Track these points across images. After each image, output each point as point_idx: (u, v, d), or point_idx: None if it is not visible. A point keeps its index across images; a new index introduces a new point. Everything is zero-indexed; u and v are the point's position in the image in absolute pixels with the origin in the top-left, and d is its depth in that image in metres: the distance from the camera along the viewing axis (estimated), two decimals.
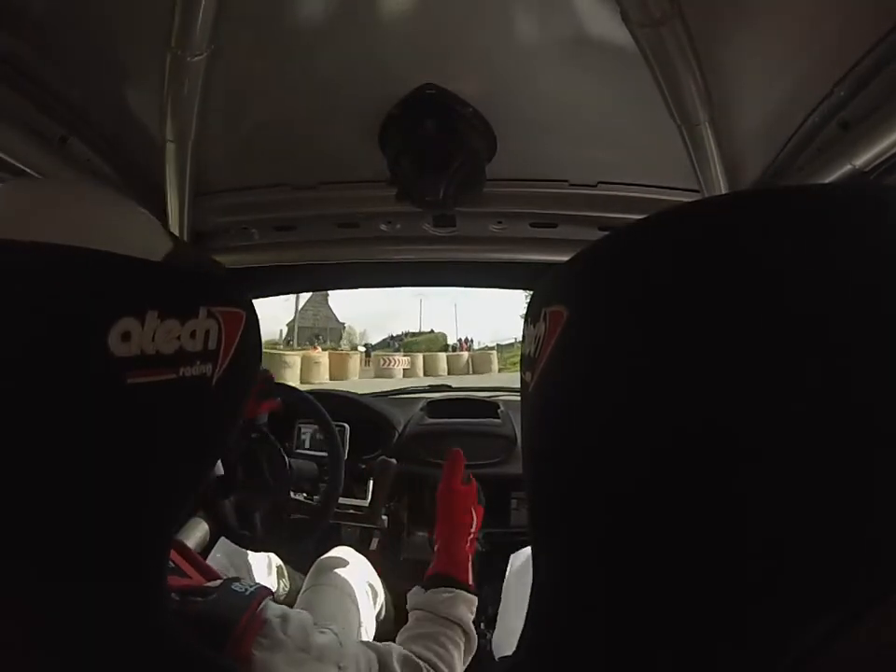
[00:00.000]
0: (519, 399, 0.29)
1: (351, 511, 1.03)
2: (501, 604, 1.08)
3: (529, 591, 0.27)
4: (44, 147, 0.73)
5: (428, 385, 2.02)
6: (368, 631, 0.98)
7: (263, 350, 0.42)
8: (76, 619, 0.31)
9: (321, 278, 1.44)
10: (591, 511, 0.22)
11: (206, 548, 1.16)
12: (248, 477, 0.90)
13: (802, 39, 0.63)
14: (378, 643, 0.55)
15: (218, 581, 0.46)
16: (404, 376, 15.09)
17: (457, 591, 0.69)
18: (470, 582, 0.73)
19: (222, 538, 1.09)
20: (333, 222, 1.06)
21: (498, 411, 1.52)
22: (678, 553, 0.19)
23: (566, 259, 0.26)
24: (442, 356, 18.03)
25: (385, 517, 1.03)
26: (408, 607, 0.71)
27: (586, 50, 0.69)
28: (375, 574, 1.13)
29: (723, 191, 0.81)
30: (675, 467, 0.19)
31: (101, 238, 0.32)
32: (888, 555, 0.17)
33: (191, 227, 0.98)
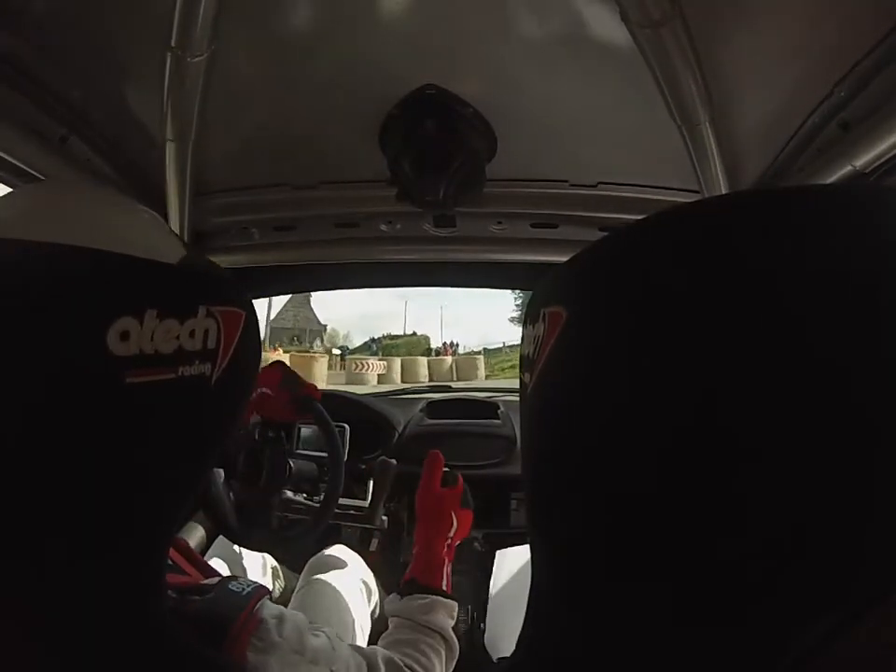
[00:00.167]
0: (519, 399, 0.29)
1: (351, 512, 1.03)
2: (490, 601, 1.08)
3: (520, 587, 0.27)
4: (44, 146, 0.73)
5: (428, 386, 2.03)
6: (363, 629, 0.98)
7: None
8: (75, 619, 0.31)
9: (321, 278, 1.44)
10: (591, 512, 0.22)
11: (204, 547, 1.16)
12: (247, 475, 0.90)
13: (802, 40, 0.63)
14: (365, 648, 0.55)
15: (216, 579, 0.46)
16: (379, 382, 12.96)
17: (434, 597, 0.68)
18: (446, 587, 0.72)
19: (220, 537, 1.09)
20: (333, 222, 1.06)
21: (498, 411, 1.52)
22: (678, 553, 0.19)
23: (566, 259, 0.26)
24: (423, 360, 16.47)
25: (384, 517, 1.03)
26: (385, 613, 0.70)
27: (586, 51, 0.70)
28: (369, 572, 1.13)
29: (723, 192, 0.81)
30: (675, 467, 0.19)
31: (115, 247, 0.32)
32: (888, 555, 0.17)
33: (191, 227, 0.98)
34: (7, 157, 0.69)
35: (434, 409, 1.56)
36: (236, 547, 1.05)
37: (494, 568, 1.16)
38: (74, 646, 0.31)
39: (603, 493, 0.22)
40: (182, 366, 0.32)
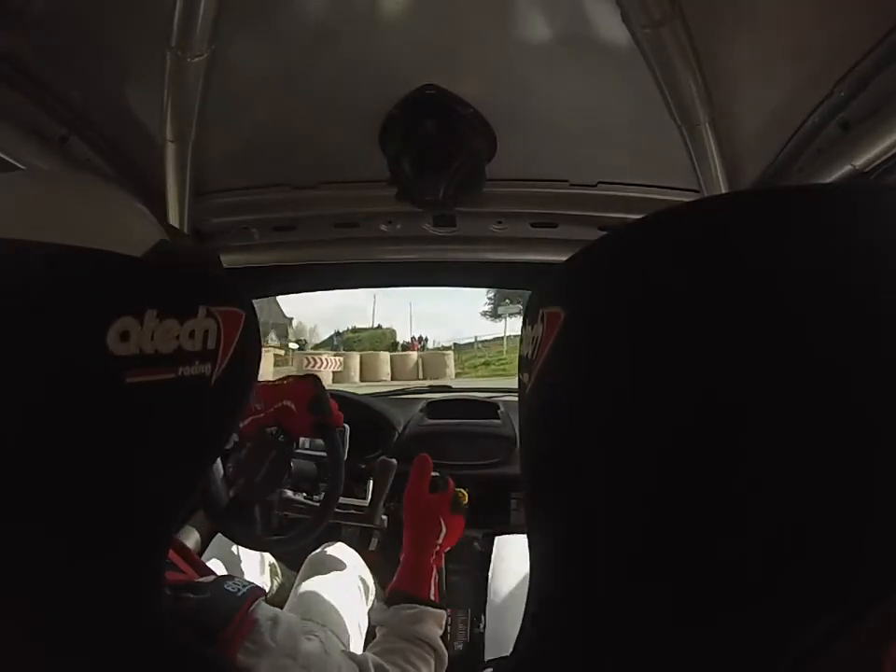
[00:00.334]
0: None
1: (351, 511, 1.03)
2: (489, 594, 1.08)
3: (521, 584, 0.27)
4: (44, 146, 0.73)
5: (428, 386, 2.02)
6: (361, 626, 0.98)
7: None
8: (75, 619, 0.31)
9: (321, 278, 1.44)
10: (590, 512, 0.22)
11: (203, 546, 1.15)
12: (246, 473, 0.90)
13: (802, 40, 0.63)
14: (357, 654, 0.55)
15: (211, 578, 0.45)
16: (334, 381, 11.31)
17: (422, 607, 0.67)
18: (433, 596, 0.71)
19: (218, 535, 1.09)
20: (333, 222, 1.06)
21: (498, 411, 1.52)
22: (678, 553, 0.19)
23: (566, 259, 0.26)
24: (385, 355, 14.77)
25: (384, 517, 1.03)
26: (372, 622, 0.70)
27: (586, 51, 0.69)
28: (367, 569, 1.13)
29: (723, 191, 0.81)
30: (674, 466, 0.19)
31: (87, 231, 0.32)
32: (888, 555, 0.17)
33: (191, 227, 0.98)
34: (7, 157, 0.69)
35: (434, 409, 1.56)
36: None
37: (493, 558, 1.16)
38: (74, 646, 0.31)
39: (602, 493, 0.22)
40: (182, 366, 0.32)
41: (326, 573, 1.03)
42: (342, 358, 13.25)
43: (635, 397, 0.21)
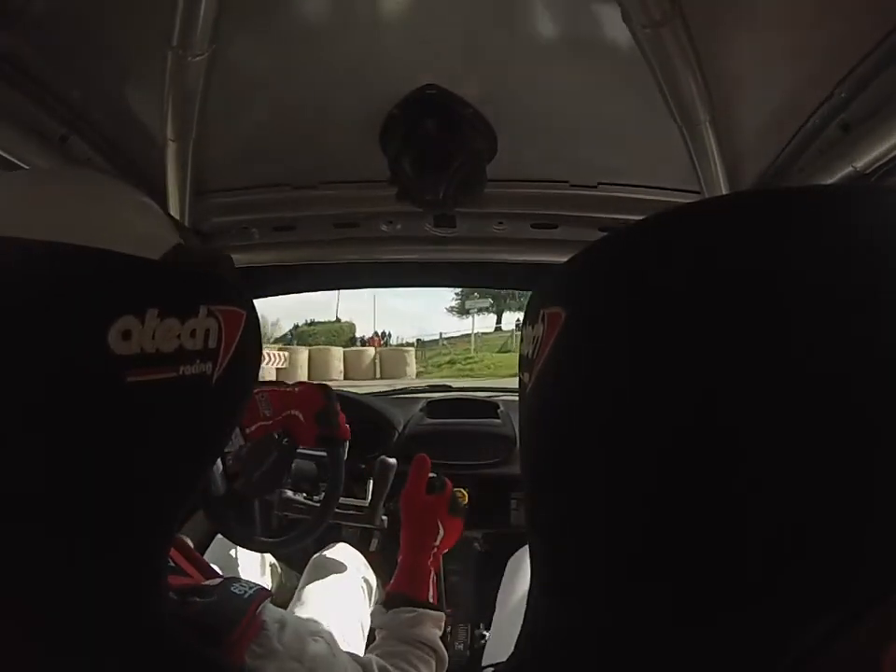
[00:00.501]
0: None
1: (351, 512, 1.03)
2: (497, 610, 1.08)
3: (525, 591, 0.27)
4: (44, 146, 0.73)
5: (428, 386, 2.02)
6: (364, 627, 0.98)
7: None
8: (75, 619, 0.31)
9: (321, 278, 1.44)
10: (590, 512, 0.22)
11: (203, 546, 1.15)
12: (246, 471, 0.90)
13: (802, 40, 0.63)
14: (361, 656, 0.55)
15: (217, 581, 0.45)
16: (278, 378, 8.77)
17: (420, 610, 0.66)
18: (431, 599, 0.70)
19: (218, 535, 1.09)
20: (333, 222, 1.06)
21: (498, 411, 1.52)
22: (678, 553, 0.19)
23: (566, 259, 0.26)
24: (338, 351, 13.19)
25: (384, 517, 1.03)
26: (371, 625, 0.70)
27: (587, 51, 0.70)
28: (370, 570, 1.13)
29: (724, 192, 0.81)
30: (675, 467, 0.19)
31: (105, 232, 0.32)
32: (888, 555, 0.17)
33: (191, 226, 0.98)
34: (7, 156, 0.69)
35: (434, 408, 1.56)
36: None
37: (504, 575, 1.16)
38: (74, 646, 0.31)
39: (603, 493, 0.22)
40: (183, 365, 0.32)
41: (329, 574, 1.03)
42: (287, 354, 11.51)
43: (635, 397, 0.21)
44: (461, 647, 1.23)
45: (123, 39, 0.67)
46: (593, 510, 0.22)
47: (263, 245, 1.10)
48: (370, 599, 1.07)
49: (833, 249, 0.19)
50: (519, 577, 1.10)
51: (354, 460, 1.16)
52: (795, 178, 0.78)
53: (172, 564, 0.47)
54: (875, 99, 0.63)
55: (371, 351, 14.14)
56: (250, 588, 0.43)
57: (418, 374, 13.69)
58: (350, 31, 0.68)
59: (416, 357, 14.93)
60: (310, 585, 1.00)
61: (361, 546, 1.20)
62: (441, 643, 0.65)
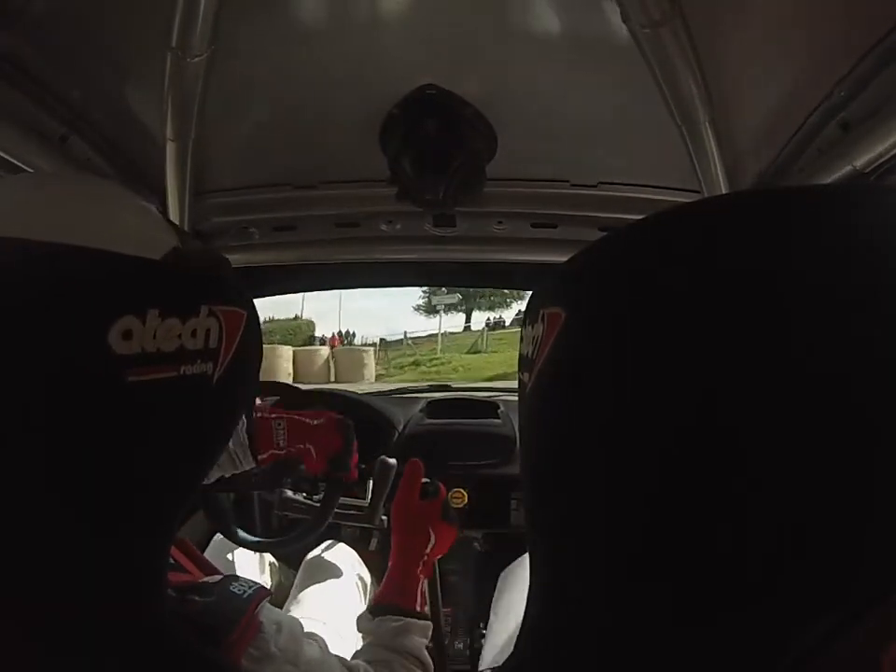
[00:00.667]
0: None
1: (351, 512, 1.03)
2: (491, 618, 1.08)
3: (519, 601, 0.27)
4: (44, 146, 0.73)
5: (428, 386, 2.02)
6: None
7: None
8: (75, 619, 0.31)
9: (321, 278, 1.44)
10: (590, 512, 0.22)
11: (202, 546, 1.15)
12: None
13: (802, 40, 0.63)
14: (349, 660, 0.55)
15: (217, 578, 0.45)
16: None
17: (407, 620, 0.65)
18: (419, 608, 0.69)
19: (218, 535, 1.09)
20: (333, 222, 1.06)
21: (499, 411, 1.52)
22: (678, 553, 0.19)
23: (566, 259, 0.26)
24: (286, 351, 11.89)
25: (384, 517, 1.03)
26: (357, 630, 0.68)
27: (587, 51, 0.70)
28: (365, 568, 1.13)
29: (723, 191, 0.81)
30: (675, 467, 0.19)
31: (104, 234, 0.32)
32: (888, 555, 0.17)
33: (191, 226, 0.98)
34: (7, 156, 0.69)
35: (434, 408, 1.56)
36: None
37: (497, 586, 1.15)
38: (74, 646, 0.31)
39: (603, 493, 0.22)
40: (184, 365, 0.32)
41: (324, 573, 1.03)
42: None
43: (635, 397, 0.21)
44: (461, 647, 1.23)
45: (123, 39, 0.67)
46: (593, 509, 0.22)
47: (263, 245, 1.10)
48: (365, 597, 1.07)
49: (833, 249, 0.19)
50: (513, 585, 1.10)
51: None
52: (795, 178, 0.78)
53: (171, 561, 0.47)
54: (875, 98, 0.63)
55: (324, 351, 12.89)
56: (249, 587, 0.43)
57: (378, 377, 12.43)
58: (350, 31, 0.68)
59: (379, 358, 14.08)
60: (305, 584, 1.00)
61: (361, 546, 1.20)
62: (426, 653, 0.64)
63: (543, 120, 0.82)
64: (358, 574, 1.09)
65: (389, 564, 0.74)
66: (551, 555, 0.25)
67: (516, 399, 0.29)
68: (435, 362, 14.25)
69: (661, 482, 0.20)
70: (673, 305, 0.21)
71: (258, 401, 1.11)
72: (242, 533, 1.00)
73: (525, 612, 0.28)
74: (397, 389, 1.92)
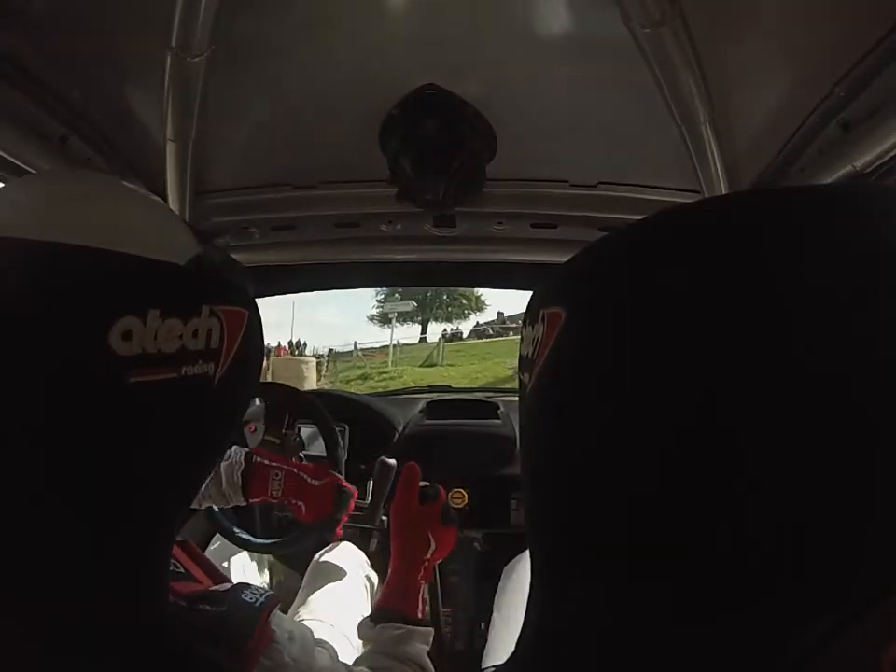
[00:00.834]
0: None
1: (351, 512, 1.03)
2: (493, 614, 1.07)
3: (522, 598, 0.27)
4: (44, 146, 0.73)
5: (428, 386, 2.02)
6: None
7: None
8: (75, 619, 0.31)
9: (321, 278, 1.44)
10: (589, 513, 0.22)
11: (203, 547, 1.15)
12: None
13: (802, 40, 0.63)
14: (353, 666, 0.55)
15: (227, 586, 0.45)
16: None
17: (408, 627, 0.64)
18: (420, 614, 0.68)
19: (217, 535, 1.09)
20: (333, 222, 1.06)
21: (499, 412, 1.52)
22: (678, 553, 0.19)
23: (566, 259, 0.26)
24: None
25: (384, 517, 1.03)
26: (358, 637, 0.68)
27: (587, 51, 0.70)
28: (372, 569, 1.13)
29: (723, 192, 0.81)
30: (676, 467, 0.19)
31: (130, 239, 0.32)
32: (888, 555, 0.17)
33: (191, 226, 0.98)
34: (7, 157, 0.69)
35: (434, 409, 1.56)
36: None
37: (500, 580, 1.15)
38: (74, 646, 0.31)
39: (603, 493, 0.22)
40: (185, 365, 0.32)
41: (332, 574, 1.02)
42: None
43: (635, 397, 0.21)
44: (461, 647, 1.23)
45: (123, 39, 0.67)
46: (593, 510, 0.22)
47: (263, 245, 1.10)
48: (372, 599, 1.07)
49: (834, 249, 0.19)
50: (518, 580, 1.10)
51: (354, 460, 1.17)
52: (795, 178, 0.78)
53: (181, 569, 0.47)
54: (875, 98, 0.63)
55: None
56: (261, 595, 0.43)
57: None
58: (350, 31, 0.68)
59: (327, 370, 13.60)
60: (313, 585, 1.00)
61: (361, 546, 1.20)
62: (427, 659, 0.64)
63: (543, 120, 0.82)
64: (367, 575, 1.09)
65: (389, 569, 0.73)
66: (551, 556, 0.25)
67: (516, 399, 0.29)
68: (384, 376, 12.99)
69: (661, 482, 0.20)
70: (673, 305, 0.21)
71: (257, 432, 1.14)
72: (242, 534, 1.01)
73: (526, 612, 0.28)
74: (397, 390, 1.93)
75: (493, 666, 0.90)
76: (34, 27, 0.63)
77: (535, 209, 1.01)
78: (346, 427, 1.29)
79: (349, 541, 1.19)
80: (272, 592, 0.44)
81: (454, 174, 0.84)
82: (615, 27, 0.60)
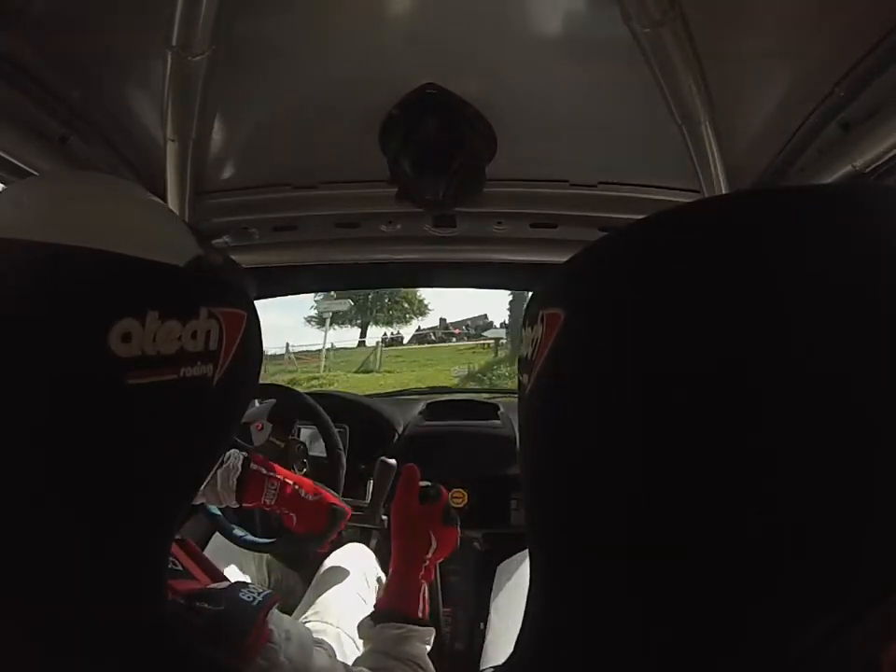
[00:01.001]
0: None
1: (351, 511, 1.03)
2: (491, 614, 1.07)
3: (520, 598, 0.27)
4: (44, 146, 0.73)
5: (428, 387, 2.02)
6: None
7: None
8: (75, 619, 0.31)
9: (321, 278, 1.44)
10: (589, 513, 0.22)
11: (201, 546, 1.15)
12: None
13: (802, 39, 0.63)
14: (354, 668, 0.55)
15: (225, 585, 0.45)
16: None
17: (409, 626, 0.64)
18: (421, 613, 0.68)
19: (216, 534, 1.09)
20: (333, 222, 1.06)
21: (498, 412, 1.52)
22: (678, 554, 0.19)
23: (566, 259, 0.26)
24: None
25: (384, 517, 1.03)
26: (359, 636, 0.68)
27: (587, 51, 0.70)
28: (382, 571, 1.13)
29: (723, 191, 0.81)
30: (675, 468, 0.19)
31: (130, 240, 0.33)
32: (888, 555, 0.17)
33: (191, 227, 0.98)
34: (7, 157, 0.69)
35: (434, 410, 1.56)
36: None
37: (494, 581, 1.15)
38: (74, 646, 0.31)
39: (602, 493, 0.22)
40: (184, 367, 0.32)
41: (342, 575, 1.02)
42: None
43: (635, 396, 0.21)
44: (461, 647, 1.23)
45: (123, 39, 0.67)
46: (592, 509, 0.22)
47: (263, 246, 1.10)
48: None
49: (833, 248, 0.19)
50: (512, 581, 1.09)
51: (354, 460, 1.17)
52: (795, 178, 0.78)
53: (179, 567, 0.47)
54: (875, 98, 0.63)
55: None
56: (259, 594, 0.43)
57: None
58: (350, 31, 0.68)
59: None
60: (321, 587, 1.00)
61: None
62: (428, 659, 0.64)
63: (543, 120, 0.82)
64: (378, 577, 1.08)
65: (390, 569, 0.73)
66: (551, 556, 0.25)
67: (516, 399, 0.29)
68: (314, 382, 12.12)
69: (661, 482, 0.20)
70: (673, 305, 0.21)
71: (257, 431, 1.14)
72: (241, 533, 1.01)
73: (526, 612, 0.28)
74: (397, 391, 1.93)
75: (492, 667, 0.90)
76: (34, 27, 0.63)
77: (535, 209, 1.01)
78: (346, 427, 1.29)
79: (348, 542, 1.19)
80: (270, 591, 0.44)
81: (454, 174, 0.84)
82: (615, 27, 0.60)
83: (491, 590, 1.15)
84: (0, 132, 0.67)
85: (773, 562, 0.18)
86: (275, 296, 1.49)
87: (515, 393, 0.30)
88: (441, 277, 1.46)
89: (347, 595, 0.98)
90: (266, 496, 0.86)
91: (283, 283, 1.40)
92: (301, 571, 1.19)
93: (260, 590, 0.44)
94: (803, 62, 0.66)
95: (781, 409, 0.18)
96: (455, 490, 1.30)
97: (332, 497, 0.90)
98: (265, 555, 1.15)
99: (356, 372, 13.62)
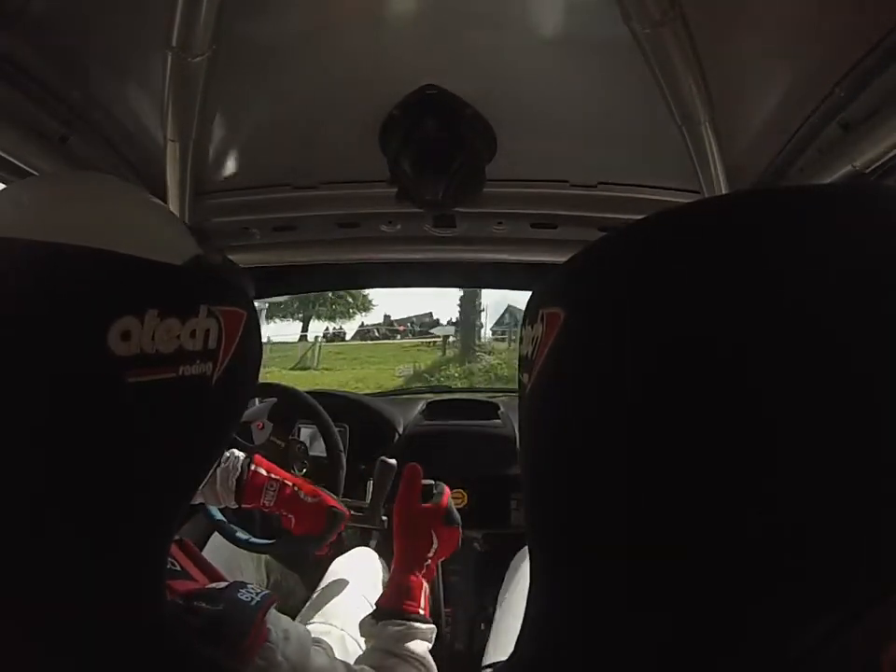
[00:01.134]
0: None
1: (351, 512, 1.03)
2: (497, 609, 1.08)
3: (525, 594, 0.27)
4: (44, 146, 0.73)
5: (428, 387, 2.02)
6: None
7: None
8: (76, 619, 0.31)
9: (321, 278, 1.44)
10: (589, 513, 0.22)
11: (200, 546, 1.15)
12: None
13: (802, 40, 0.63)
14: (354, 666, 0.55)
15: (223, 585, 0.45)
16: None
17: (410, 624, 0.65)
18: (422, 611, 0.68)
19: (214, 533, 1.09)
20: (334, 222, 1.06)
21: (499, 412, 1.52)
22: (678, 554, 0.19)
23: (565, 259, 0.26)
24: None
25: (384, 517, 1.03)
26: (360, 634, 0.68)
27: (587, 51, 0.70)
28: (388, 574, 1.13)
29: (723, 191, 0.81)
30: (675, 467, 0.19)
31: (130, 239, 0.33)
32: (888, 556, 0.17)
33: (191, 227, 0.98)
34: (7, 157, 0.69)
35: (434, 409, 1.56)
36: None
37: (507, 574, 1.15)
38: (74, 646, 0.31)
39: (602, 493, 0.22)
40: (183, 365, 0.32)
41: (349, 578, 1.02)
42: None
43: (635, 396, 0.21)
44: (461, 647, 1.23)
45: (123, 39, 0.67)
46: (592, 509, 0.22)
47: (264, 246, 1.10)
48: None
49: (833, 248, 0.19)
50: (522, 576, 1.09)
51: (354, 460, 1.17)
52: (795, 178, 0.78)
53: (177, 567, 0.47)
54: (875, 98, 0.63)
55: None
56: (257, 594, 0.43)
57: None
58: (350, 31, 0.68)
59: None
60: (327, 590, 1.00)
61: (361, 546, 1.20)
62: (430, 657, 0.64)
63: (543, 120, 0.82)
64: (384, 581, 1.08)
65: (392, 568, 0.74)
66: (550, 555, 0.25)
67: (516, 399, 0.29)
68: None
69: (661, 482, 0.20)
70: (673, 305, 0.21)
71: (258, 429, 1.14)
72: (240, 533, 1.00)
73: (526, 611, 0.28)
74: (397, 390, 1.93)
75: (492, 665, 0.90)
76: (34, 27, 0.63)
77: (534, 209, 1.01)
78: (346, 427, 1.29)
79: (348, 542, 1.19)
80: (268, 591, 0.44)
81: (454, 174, 0.84)
82: (615, 27, 0.60)
83: (492, 589, 1.15)
84: (0, 132, 0.67)
85: (773, 562, 0.18)
86: (275, 296, 1.49)
87: (515, 392, 0.30)
88: (441, 277, 1.46)
89: (353, 599, 0.98)
90: (265, 497, 0.87)
91: (283, 283, 1.40)
92: (301, 572, 1.19)
93: (259, 590, 0.44)
94: (803, 62, 0.66)
95: (781, 409, 0.18)
96: (455, 490, 1.30)
97: (331, 499, 0.91)
98: (264, 556, 1.15)
99: (292, 369, 12.78)
